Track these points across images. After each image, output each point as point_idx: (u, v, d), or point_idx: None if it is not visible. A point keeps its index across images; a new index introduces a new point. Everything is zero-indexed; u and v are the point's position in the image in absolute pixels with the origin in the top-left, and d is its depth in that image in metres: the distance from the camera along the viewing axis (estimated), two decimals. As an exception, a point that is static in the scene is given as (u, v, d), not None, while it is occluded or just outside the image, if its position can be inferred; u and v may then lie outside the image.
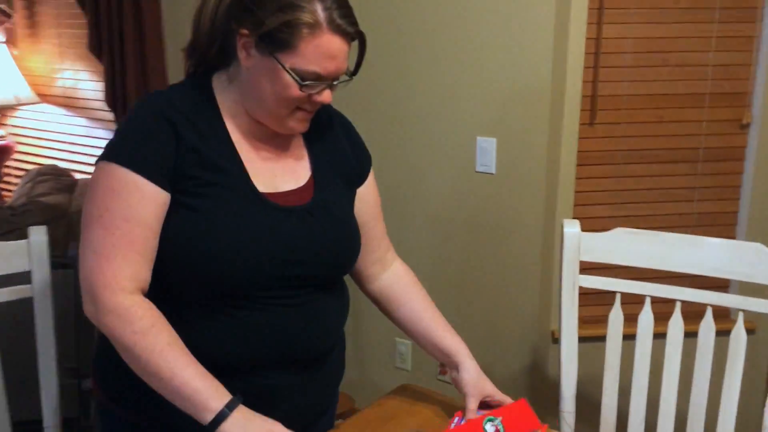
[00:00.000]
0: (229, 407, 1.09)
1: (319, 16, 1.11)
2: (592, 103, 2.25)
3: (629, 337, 1.68)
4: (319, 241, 1.23)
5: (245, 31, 1.14)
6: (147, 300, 1.15)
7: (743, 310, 1.58)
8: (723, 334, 1.65)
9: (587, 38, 2.20)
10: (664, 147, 2.33)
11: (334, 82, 1.18)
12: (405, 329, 1.43)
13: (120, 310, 1.11)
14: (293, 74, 1.14)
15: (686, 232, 2.40)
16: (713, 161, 2.37)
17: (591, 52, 2.21)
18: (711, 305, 1.62)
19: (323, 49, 1.13)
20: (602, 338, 1.70)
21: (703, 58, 2.28)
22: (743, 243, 1.61)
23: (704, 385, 1.62)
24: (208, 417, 1.08)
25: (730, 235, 2.45)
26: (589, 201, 2.33)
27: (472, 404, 1.33)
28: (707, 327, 1.61)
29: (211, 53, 1.23)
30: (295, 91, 1.15)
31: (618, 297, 1.68)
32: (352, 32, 1.15)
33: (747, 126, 2.35)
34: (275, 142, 1.27)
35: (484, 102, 2.29)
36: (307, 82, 1.15)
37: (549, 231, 2.30)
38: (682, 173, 2.37)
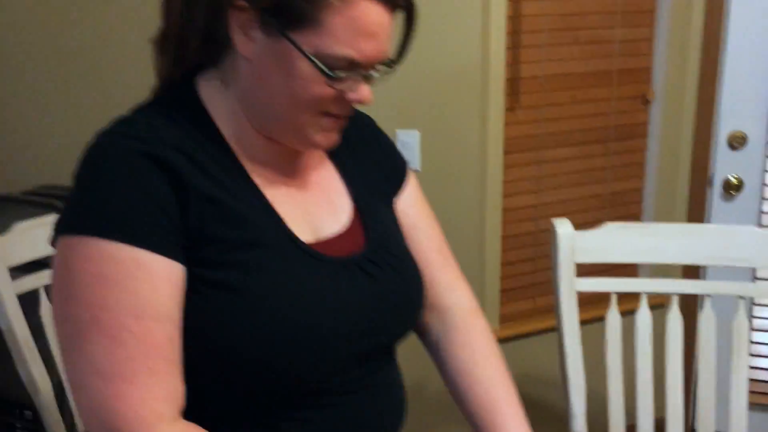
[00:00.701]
0: None
1: None
2: (514, 87, 2.10)
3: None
4: (392, 297, 0.93)
5: (243, 3, 0.80)
6: (193, 424, 0.80)
7: (745, 297, 1.51)
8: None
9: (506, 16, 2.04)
10: (579, 128, 2.25)
11: (372, 73, 0.85)
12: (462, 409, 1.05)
13: None
14: (317, 62, 0.80)
15: (600, 214, 2.35)
16: (622, 140, 2.33)
17: (510, 31, 2.06)
18: (709, 295, 1.53)
19: (360, 23, 0.80)
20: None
21: (609, 34, 2.21)
22: (736, 227, 1.54)
23: (711, 379, 1.54)
24: None
25: (637, 213, 2.44)
26: (515, 191, 2.19)
27: None
28: (707, 318, 1.53)
29: (192, 46, 0.86)
30: (319, 86, 0.82)
31: (614, 298, 1.54)
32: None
33: (650, 102, 2.33)
34: (296, 165, 0.94)
35: (404, 90, 2.05)
36: (337, 73, 0.81)
37: (481, 229, 2.13)
38: (596, 154, 2.30)
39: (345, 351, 0.87)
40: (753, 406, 2.02)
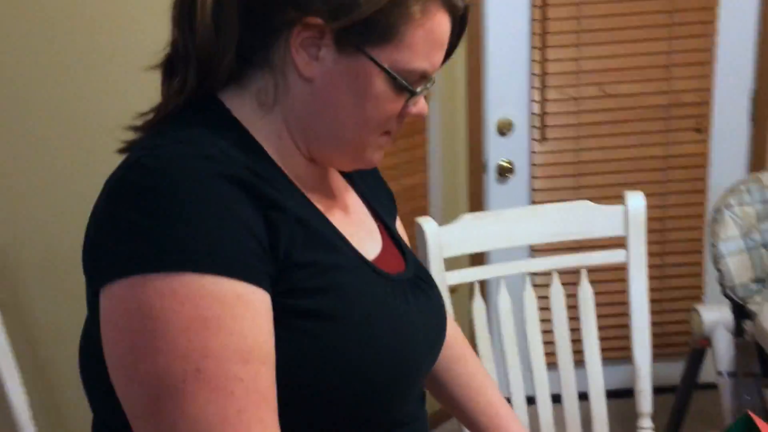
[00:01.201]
0: None
1: None
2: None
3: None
4: (440, 313, 0.89)
5: (316, 21, 0.72)
6: None
7: (585, 267, 1.64)
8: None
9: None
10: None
11: (429, 84, 0.82)
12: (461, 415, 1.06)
13: None
14: (399, 78, 0.75)
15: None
16: (407, 136, 2.40)
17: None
18: (558, 270, 1.64)
19: (435, 35, 0.77)
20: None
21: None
22: (572, 203, 1.66)
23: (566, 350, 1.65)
24: None
25: (425, 206, 2.53)
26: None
27: None
28: (556, 291, 1.64)
29: (224, 64, 0.75)
30: (392, 103, 0.77)
31: (477, 286, 1.58)
32: (462, 7, 0.80)
33: (428, 98, 2.43)
34: (331, 187, 0.87)
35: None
36: (419, 89, 0.77)
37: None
38: (388, 152, 2.34)
39: (422, 375, 0.82)
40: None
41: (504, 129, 2.50)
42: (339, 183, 0.90)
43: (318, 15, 0.72)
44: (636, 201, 1.61)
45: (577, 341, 1.66)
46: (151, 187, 0.65)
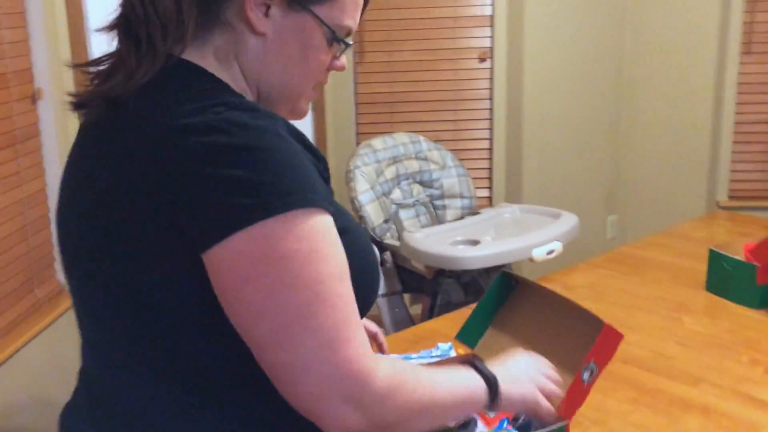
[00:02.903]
0: (484, 372, 0.97)
1: None
2: None
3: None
4: None
5: None
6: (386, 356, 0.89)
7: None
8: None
9: None
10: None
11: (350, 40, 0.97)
12: None
13: (393, 382, 0.80)
14: (336, 31, 0.90)
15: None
16: (18, 143, 2.26)
17: None
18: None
19: None
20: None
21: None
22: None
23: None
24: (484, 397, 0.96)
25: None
26: None
27: None
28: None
29: (191, 27, 0.83)
30: (326, 55, 0.91)
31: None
32: None
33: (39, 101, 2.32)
34: None
35: None
36: (350, 42, 0.93)
37: None
38: (7, 160, 2.17)
39: None
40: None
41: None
42: None
43: None
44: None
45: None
46: (243, 145, 0.75)
